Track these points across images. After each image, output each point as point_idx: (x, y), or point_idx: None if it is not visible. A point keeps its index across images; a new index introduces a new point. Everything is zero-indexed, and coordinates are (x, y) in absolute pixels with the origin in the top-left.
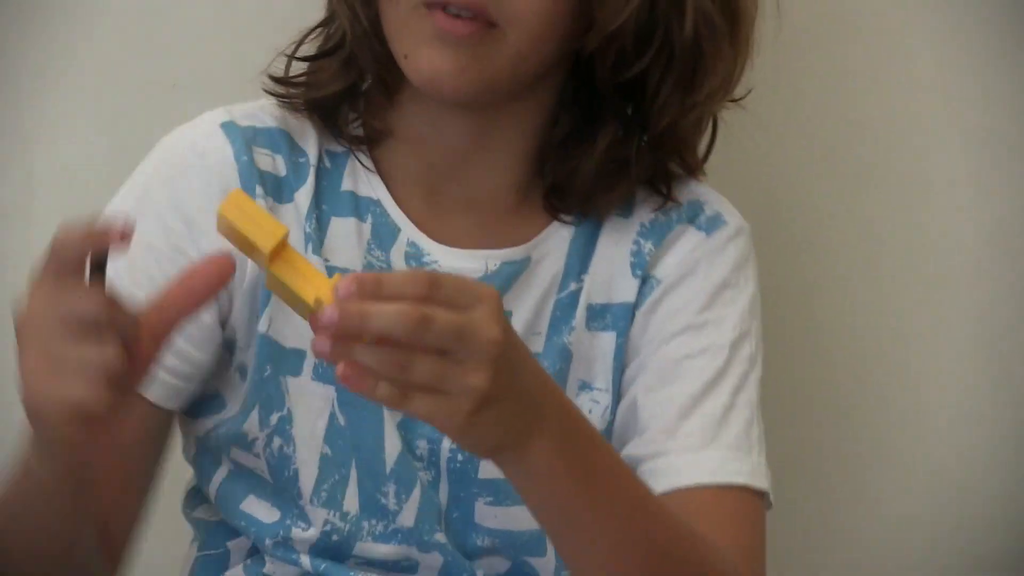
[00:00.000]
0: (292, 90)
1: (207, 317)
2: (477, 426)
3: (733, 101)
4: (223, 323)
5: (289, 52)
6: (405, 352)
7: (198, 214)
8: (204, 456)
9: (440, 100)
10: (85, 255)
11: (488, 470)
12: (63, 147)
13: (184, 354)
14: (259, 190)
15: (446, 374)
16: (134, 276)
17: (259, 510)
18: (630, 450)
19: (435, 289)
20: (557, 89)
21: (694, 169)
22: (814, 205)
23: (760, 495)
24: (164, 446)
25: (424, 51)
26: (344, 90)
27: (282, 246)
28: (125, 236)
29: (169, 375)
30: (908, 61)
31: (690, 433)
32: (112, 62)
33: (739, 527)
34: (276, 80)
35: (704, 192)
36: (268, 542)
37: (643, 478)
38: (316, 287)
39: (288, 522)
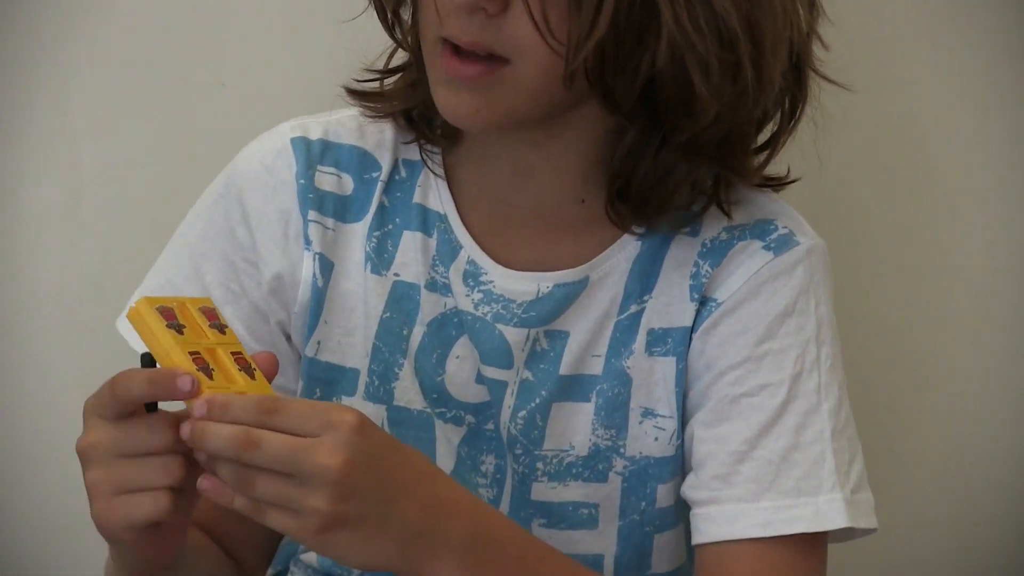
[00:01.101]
0: (370, 102)
1: (282, 343)
2: (336, 545)
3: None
4: (290, 340)
5: (371, 66)
6: (250, 470)
7: (257, 231)
8: None
9: (470, 131)
10: (144, 401)
11: (538, 492)
12: (110, 146)
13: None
14: (313, 214)
15: (287, 494)
16: (222, 296)
17: None
18: (686, 489)
19: (273, 416)
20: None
21: (745, 176)
22: (853, 211)
23: (825, 535)
24: None
25: (441, 91)
26: (419, 104)
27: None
28: (191, 395)
29: None
30: (950, 63)
31: (745, 480)
32: (159, 61)
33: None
34: (353, 92)
35: (778, 209)
36: None
37: (696, 523)
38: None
39: None
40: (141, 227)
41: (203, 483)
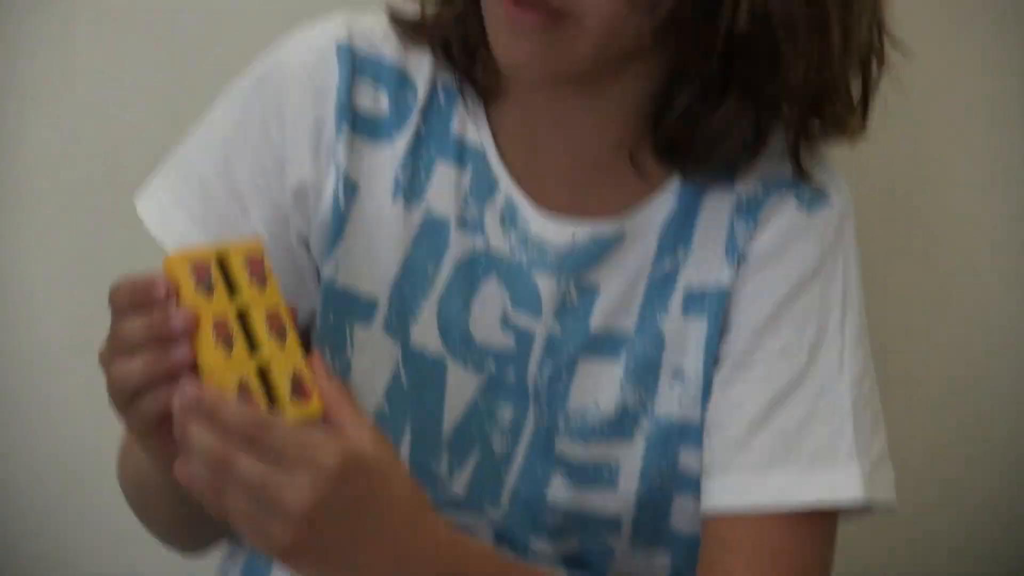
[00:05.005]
0: (411, 30)
1: (302, 253)
2: (298, 569)
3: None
4: (309, 250)
5: None
6: (221, 478)
7: (290, 132)
8: None
9: (523, 82)
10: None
11: (561, 447)
12: (113, 78)
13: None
14: (345, 129)
15: (252, 515)
16: (249, 195)
17: None
18: (686, 464)
19: (260, 436)
20: (673, 57)
21: (846, 133)
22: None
23: (836, 514)
24: None
25: (500, 38)
26: (461, 37)
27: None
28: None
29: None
30: (959, 64)
31: (760, 448)
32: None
33: (796, 554)
34: (395, 17)
35: (817, 163)
36: None
37: (705, 489)
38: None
39: None
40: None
41: (179, 470)
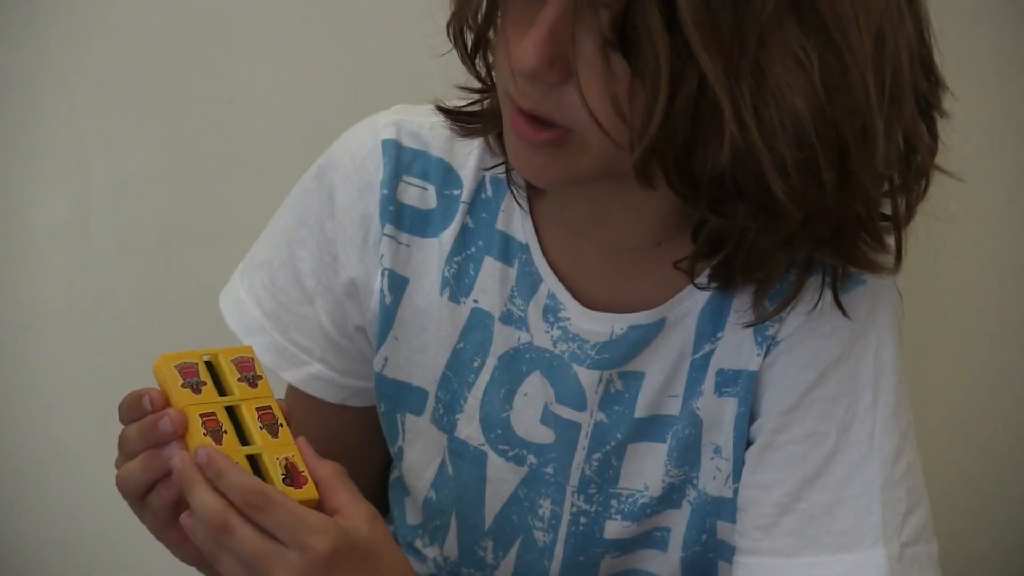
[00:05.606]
0: (461, 122)
1: (363, 342)
2: None
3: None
4: (366, 334)
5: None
6: (218, 541)
7: (340, 230)
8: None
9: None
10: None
11: (613, 530)
12: (119, 163)
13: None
14: (389, 228)
15: None
16: (313, 287)
17: (411, 509)
18: (724, 534)
19: (256, 511)
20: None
21: (865, 269)
22: None
23: None
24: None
25: (511, 142)
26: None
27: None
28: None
29: (351, 379)
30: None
31: (785, 534)
32: (167, 78)
33: None
34: (444, 110)
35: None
36: (400, 540)
37: (735, 571)
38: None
39: (418, 534)
40: (149, 244)
41: (184, 520)
